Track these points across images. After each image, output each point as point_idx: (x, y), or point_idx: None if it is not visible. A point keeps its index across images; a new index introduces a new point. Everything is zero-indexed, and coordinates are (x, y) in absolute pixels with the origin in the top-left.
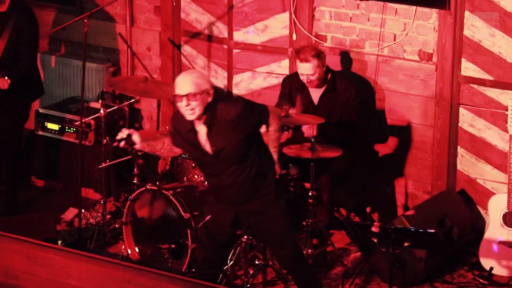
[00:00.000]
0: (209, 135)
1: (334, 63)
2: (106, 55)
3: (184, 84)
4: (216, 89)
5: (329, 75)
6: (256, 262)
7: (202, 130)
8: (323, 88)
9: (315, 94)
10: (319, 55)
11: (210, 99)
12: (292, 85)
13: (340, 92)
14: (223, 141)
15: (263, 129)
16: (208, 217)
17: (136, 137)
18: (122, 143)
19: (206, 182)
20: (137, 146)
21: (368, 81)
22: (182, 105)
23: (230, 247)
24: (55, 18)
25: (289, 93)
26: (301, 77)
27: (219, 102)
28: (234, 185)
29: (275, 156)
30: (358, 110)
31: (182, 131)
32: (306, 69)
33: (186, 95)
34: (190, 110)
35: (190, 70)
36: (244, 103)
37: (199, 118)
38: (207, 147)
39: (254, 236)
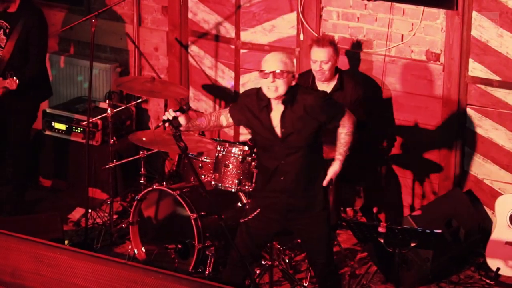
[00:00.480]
0: (283, 116)
1: (341, 63)
2: (113, 55)
3: (273, 61)
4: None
5: (337, 74)
6: (263, 262)
7: (277, 109)
8: (331, 87)
9: None
10: (335, 45)
11: (293, 83)
12: (302, 84)
13: (348, 91)
14: (294, 125)
15: (334, 123)
16: (258, 211)
17: (182, 120)
18: (166, 125)
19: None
20: (183, 128)
21: (375, 81)
22: (267, 82)
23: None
24: (63, 18)
25: None
26: (313, 66)
27: (301, 88)
28: (290, 174)
29: (337, 164)
30: (366, 109)
31: (254, 108)
32: (321, 55)
33: (273, 72)
34: (274, 87)
35: (279, 51)
36: (324, 94)
37: (279, 97)
38: (277, 128)
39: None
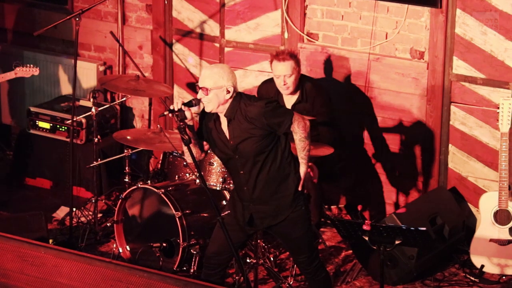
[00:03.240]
0: (229, 128)
1: (327, 62)
2: (97, 54)
3: (202, 76)
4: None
5: (299, 87)
6: (248, 260)
7: (224, 122)
8: (296, 97)
9: (288, 103)
10: (296, 57)
11: (227, 97)
12: (268, 92)
13: (310, 101)
14: (240, 135)
15: (282, 131)
16: (228, 211)
17: (188, 113)
18: (170, 115)
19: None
20: (189, 122)
21: (355, 86)
22: (200, 96)
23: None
24: (46, 16)
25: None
26: (277, 81)
27: (243, 99)
28: (251, 183)
29: (302, 168)
30: (329, 113)
31: (211, 123)
32: (284, 69)
33: (201, 88)
34: (205, 102)
35: (219, 64)
36: (266, 103)
37: (218, 111)
38: (228, 139)
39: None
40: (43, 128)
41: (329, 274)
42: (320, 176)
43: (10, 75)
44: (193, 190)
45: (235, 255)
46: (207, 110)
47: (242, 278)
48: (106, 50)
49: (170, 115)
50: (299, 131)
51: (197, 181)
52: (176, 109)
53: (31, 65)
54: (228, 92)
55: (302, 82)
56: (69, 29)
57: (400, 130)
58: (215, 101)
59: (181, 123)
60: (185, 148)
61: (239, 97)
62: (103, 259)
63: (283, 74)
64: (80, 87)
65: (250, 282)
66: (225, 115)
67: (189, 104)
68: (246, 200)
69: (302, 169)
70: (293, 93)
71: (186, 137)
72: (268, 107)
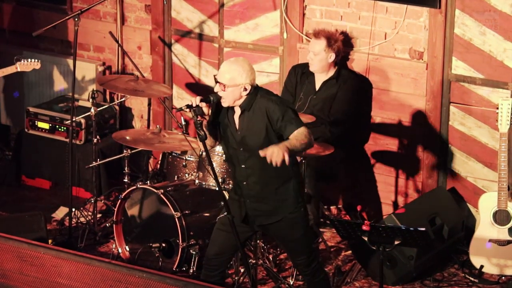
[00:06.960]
0: (240, 118)
1: None
2: (96, 54)
3: (221, 71)
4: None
5: (336, 66)
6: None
7: (237, 112)
8: (328, 76)
9: (319, 81)
10: (331, 40)
11: (244, 94)
12: (301, 71)
13: (339, 82)
14: (249, 127)
15: (287, 134)
16: (225, 213)
17: (206, 109)
18: (188, 110)
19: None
20: (206, 117)
21: (367, 79)
22: (217, 90)
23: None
24: (45, 17)
25: (297, 79)
26: (308, 55)
27: (261, 92)
28: (252, 178)
29: (284, 142)
30: (350, 105)
31: (224, 111)
32: (312, 45)
33: (219, 83)
34: (222, 97)
35: (240, 59)
36: (281, 100)
37: (233, 105)
38: (237, 130)
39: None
40: (42, 129)
41: (328, 275)
42: (319, 176)
43: (11, 69)
44: (192, 191)
45: (241, 252)
46: (225, 104)
47: (241, 279)
48: (105, 51)
49: (187, 110)
50: (300, 137)
51: (196, 181)
52: (194, 104)
53: (32, 60)
54: (246, 89)
55: (340, 67)
56: (68, 29)
57: (399, 130)
58: (231, 97)
59: (198, 119)
60: (200, 144)
61: (256, 91)
62: (102, 259)
63: (311, 50)
64: (79, 87)
65: (255, 281)
66: (240, 106)
67: (207, 100)
68: (243, 196)
69: (283, 143)
70: (318, 72)
71: (202, 133)
72: (288, 110)
